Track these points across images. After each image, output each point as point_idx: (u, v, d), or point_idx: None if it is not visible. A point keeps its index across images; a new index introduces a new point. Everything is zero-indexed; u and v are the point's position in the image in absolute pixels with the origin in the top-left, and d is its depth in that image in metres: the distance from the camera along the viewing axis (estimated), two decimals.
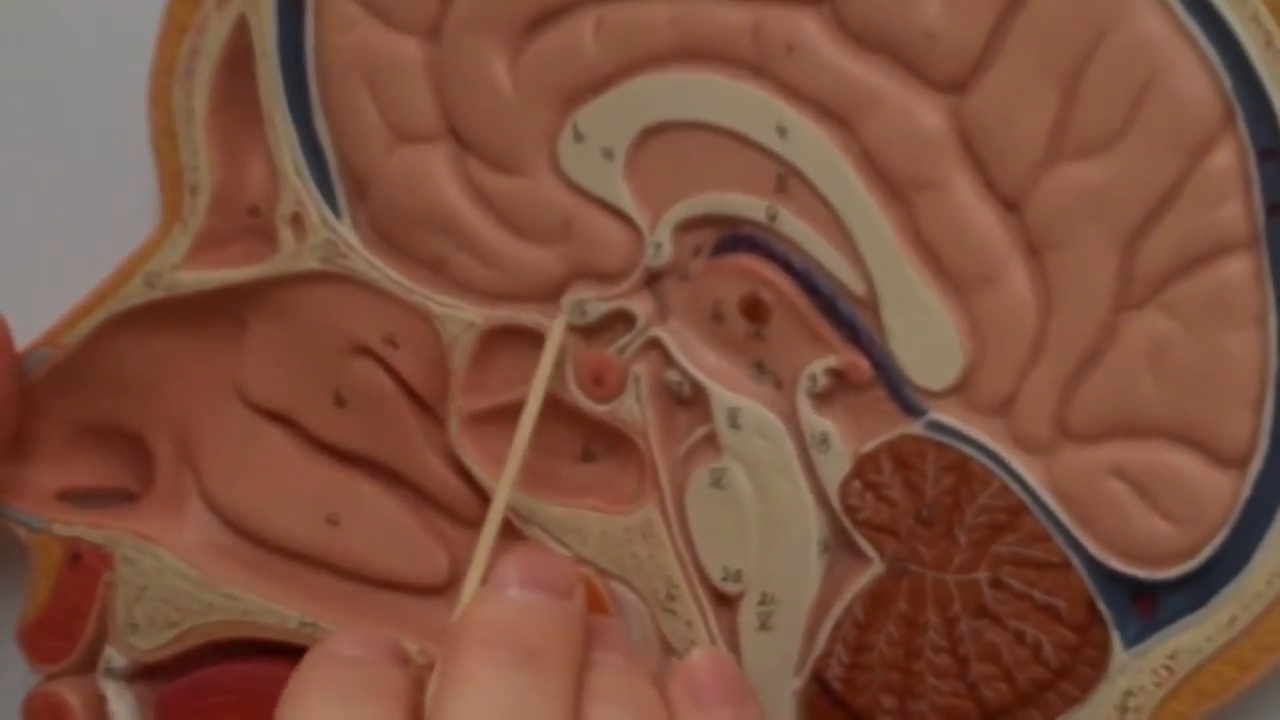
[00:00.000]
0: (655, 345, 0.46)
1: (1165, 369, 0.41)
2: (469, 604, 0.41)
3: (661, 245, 0.45)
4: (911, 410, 0.44)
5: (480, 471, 0.48)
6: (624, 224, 0.46)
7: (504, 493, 0.45)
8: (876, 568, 0.45)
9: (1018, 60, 0.41)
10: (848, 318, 0.44)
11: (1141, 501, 0.42)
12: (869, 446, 0.45)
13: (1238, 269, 0.41)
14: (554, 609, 0.40)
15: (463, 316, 0.48)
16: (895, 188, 0.43)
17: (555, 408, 0.47)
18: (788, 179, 0.44)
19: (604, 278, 0.46)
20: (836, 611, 0.45)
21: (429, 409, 0.49)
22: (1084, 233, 0.42)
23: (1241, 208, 0.40)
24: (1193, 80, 0.40)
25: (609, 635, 0.42)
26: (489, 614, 0.40)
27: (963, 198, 0.43)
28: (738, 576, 0.46)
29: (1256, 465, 0.41)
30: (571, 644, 0.40)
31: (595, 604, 0.47)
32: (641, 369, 0.46)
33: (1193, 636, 0.42)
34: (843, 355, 0.44)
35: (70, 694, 0.53)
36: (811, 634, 0.46)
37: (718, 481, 0.46)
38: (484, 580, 0.42)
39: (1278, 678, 0.42)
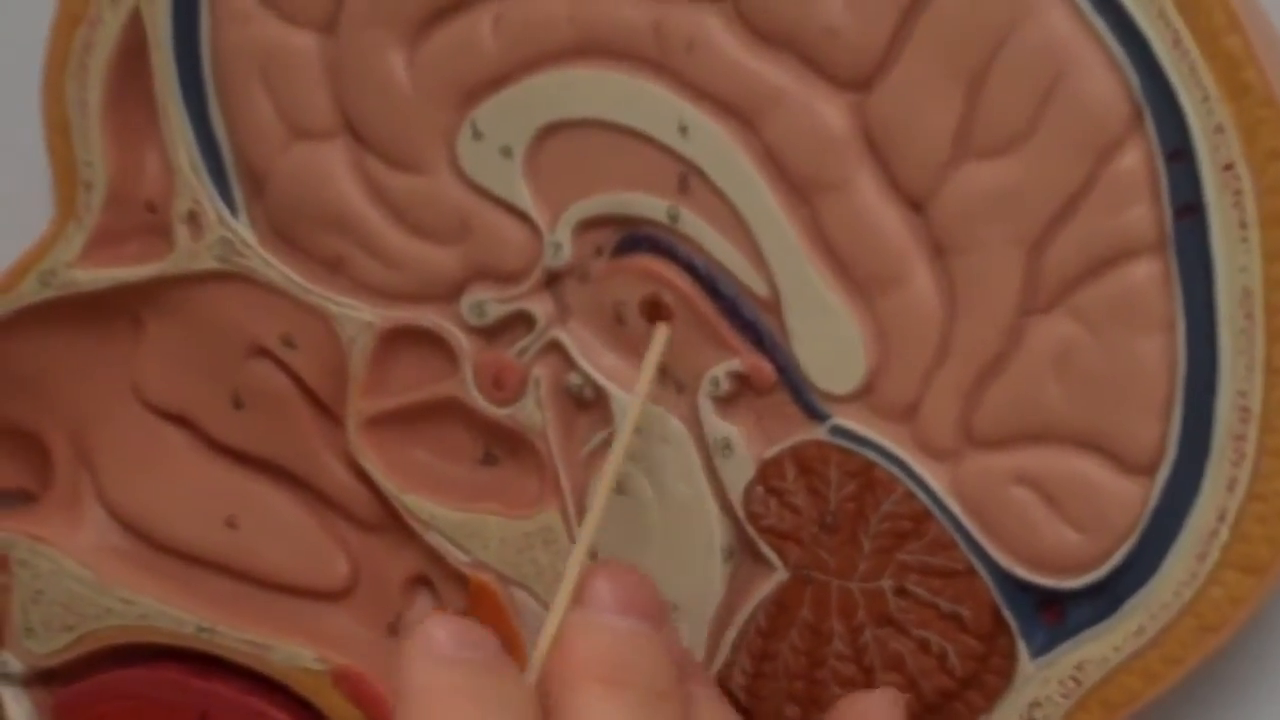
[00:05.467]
0: (556, 347, 0.46)
1: (1072, 374, 0.41)
2: (573, 630, 0.40)
3: (561, 246, 0.45)
4: (815, 415, 0.43)
5: (378, 474, 0.48)
6: (523, 224, 0.45)
7: (590, 524, 0.42)
8: (780, 575, 0.44)
9: (922, 58, 0.41)
10: (750, 320, 0.44)
11: (1048, 509, 0.42)
12: (772, 452, 0.44)
13: (1146, 273, 0.40)
14: (659, 642, 0.40)
15: (360, 317, 0.47)
16: (798, 188, 0.42)
17: (456, 411, 0.47)
18: (690, 179, 0.43)
19: (503, 278, 0.45)
20: (740, 620, 0.45)
21: (328, 411, 0.49)
22: (989, 235, 0.41)
23: (1149, 210, 0.40)
24: (1100, 80, 0.39)
25: (690, 665, 0.42)
26: (600, 647, 0.39)
27: (867, 198, 0.42)
28: None
29: (1164, 473, 0.40)
30: (677, 680, 0.40)
31: (497, 612, 0.47)
32: (542, 372, 0.46)
33: (1100, 646, 0.42)
34: (746, 359, 0.44)
35: None
36: (715, 642, 0.45)
37: (619, 487, 0.45)
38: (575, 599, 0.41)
39: (1183, 691, 0.42)
